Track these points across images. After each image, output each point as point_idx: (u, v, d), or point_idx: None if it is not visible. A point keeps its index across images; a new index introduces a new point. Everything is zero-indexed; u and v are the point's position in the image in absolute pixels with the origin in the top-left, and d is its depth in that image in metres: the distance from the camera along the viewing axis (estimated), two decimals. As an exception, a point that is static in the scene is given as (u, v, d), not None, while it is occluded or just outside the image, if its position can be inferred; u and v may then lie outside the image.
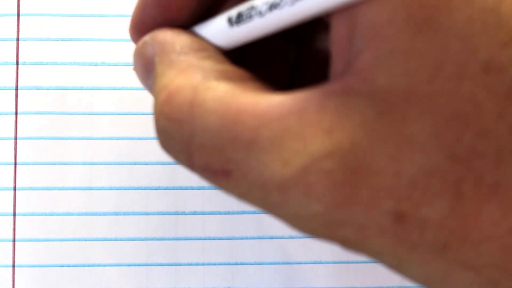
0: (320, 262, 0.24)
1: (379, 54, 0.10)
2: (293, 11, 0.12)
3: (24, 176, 0.24)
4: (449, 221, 0.10)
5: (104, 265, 0.23)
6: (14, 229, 0.23)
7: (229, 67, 0.13)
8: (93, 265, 0.23)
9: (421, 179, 0.10)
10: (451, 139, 0.10)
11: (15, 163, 0.24)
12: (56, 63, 0.24)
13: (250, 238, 0.24)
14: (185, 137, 0.12)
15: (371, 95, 0.10)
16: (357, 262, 0.24)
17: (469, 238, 0.10)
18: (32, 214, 0.24)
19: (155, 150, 0.24)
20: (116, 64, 0.24)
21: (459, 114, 0.10)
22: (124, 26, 0.24)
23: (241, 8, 0.13)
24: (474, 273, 0.10)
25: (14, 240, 0.23)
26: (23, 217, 0.23)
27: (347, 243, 0.11)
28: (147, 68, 0.15)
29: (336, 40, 0.12)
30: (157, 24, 0.15)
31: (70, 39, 0.24)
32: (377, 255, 0.11)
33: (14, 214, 0.23)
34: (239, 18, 0.13)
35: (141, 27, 0.15)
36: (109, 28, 0.24)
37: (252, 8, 0.12)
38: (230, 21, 0.13)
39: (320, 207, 0.10)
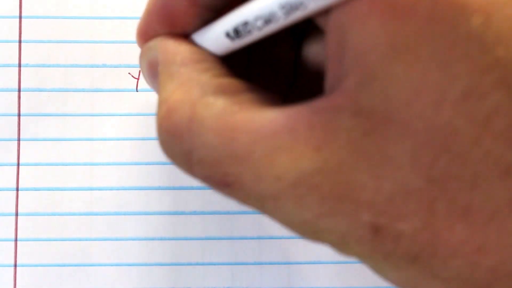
0: (320, 262, 0.24)
1: (363, 77, 0.11)
2: (288, 21, 0.12)
3: (27, 177, 0.24)
4: (421, 236, 0.11)
5: (104, 265, 0.24)
6: (16, 229, 0.24)
7: (225, 80, 0.14)
8: (93, 265, 0.24)
9: (398, 197, 0.11)
10: (428, 161, 0.11)
11: (18, 164, 0.24)
12: (58, 65, 0.24)
13: (250, 238, 0.24)
14: (185, 151, 0.13)
15: (356, 115, 0.11)
16: (357, 262, 0.24)
17: (439, 252, 0.11)
18: (34, 214, 0.24)
19: (155, 151, 0.24)
20: (117, 66, 0.24)
21: (436, 139, 0.10)
22: (125, 28, 0.25)
23: (235, 22, 0.13)
24: (442, 283, 0.11)
25: (16, 240, 0.24)
26: (25, 217, 0.24)
27: (333, 246, 0.12)
28: (153, 73, 0.16)
29: (329, 56, 0.12)
30: (161, 35, 0.15)
31: (72, 41, 0.24)
32: (359, 258, 0.12)
33: (17, 214, 0.24)
34: (238, 34, 0.13)
35: (146, 37, 0.16)
36: (110, 30, 0.24)
37: (247, 23, 0.13)
38: (229, 36, 0.14)
39: (308, 216, 0.12)
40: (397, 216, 0.11)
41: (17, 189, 0.24)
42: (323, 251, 0.24)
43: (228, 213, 0.24)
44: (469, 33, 0.10)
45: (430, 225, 0.11)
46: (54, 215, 0.24)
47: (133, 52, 0.25)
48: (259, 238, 0.24)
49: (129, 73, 0.24)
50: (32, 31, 0.24)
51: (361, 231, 0.11)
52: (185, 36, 0.15)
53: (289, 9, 0.12)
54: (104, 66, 0.24)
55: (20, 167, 0.24)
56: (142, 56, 0.16)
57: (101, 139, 0.24)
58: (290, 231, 0.12)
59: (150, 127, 0.24)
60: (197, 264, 0.24)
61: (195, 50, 0.14)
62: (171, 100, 0.13)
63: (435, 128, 0.10)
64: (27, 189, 0.24)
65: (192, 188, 0.24)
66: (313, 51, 0.18)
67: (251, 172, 0.12)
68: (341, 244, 0.12)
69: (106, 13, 0.25)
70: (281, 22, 0.12)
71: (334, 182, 0.11)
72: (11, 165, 0.24)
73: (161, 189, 0.24)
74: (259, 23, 0.12)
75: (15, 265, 0.23)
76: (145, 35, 0.16)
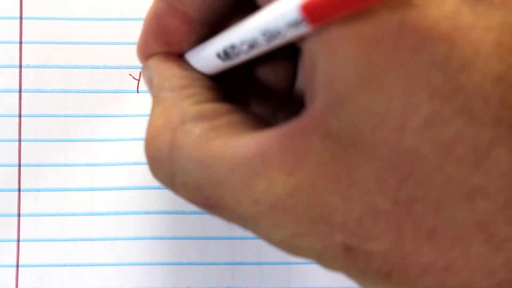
0: (320, 262, 0.24)
1: (330, 102, 0.11)
2: (270, 46, 0.13)
3: (28, 178, 0.24)
4: (390, 256, 0.11)
5: (105, 265, 0.24)
6: (18, 230, 0.24)
7: (207, 106, 0.14)
8: (94, 265, 0.24)
9: (367, 218, 0.11)
10: (393, 185, 0.11)
11: (19, 165, 0.24)
12: (58, 66, 0.24)
13: (250, 238, 0.24)
14: (168, 176, 0.14)
15: (325, 138, 0.11)
16: (357, 262, 0.24)
17: (408, 271, 0.11)
18: (36, 215, 0.24)
19: (155, 151, 0.24)
20: (117, 67, 0.25)
21: (401, 164, 0.11)
22: (125, 30, 0.25)
23: (223, 44, 0.14)
24: None
25: (18, 240, 0.24)
26: (27, 218, 0.24)
27: (314, 261, 0.13)
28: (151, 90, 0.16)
29: (305, 79, 0.13)
30: (159, 53, 0.16)
31: (72, 42, 0.24)
32: (338, 272, 0.12)
33: (19, 215, 0.24)
34: (227, 55, 0.14)
35: (146, 55, 0.17)
36: (111, 31, 0.25)
37: (234, 46, 0.13)
38: (219, 57, 0.14)
39: (286, 236, 0.12)
40: (367, 237, 0.11)
41: (19, 190, 0.24)
42: (322, 251, 0.24)
43: (228, 213, 0.24)
44: (432, 61, 0.10)
45: (398, 245, 0.11)
46: (56, 215, 0.24)
47: (134, 54, 0.25)
48: (259, 238, 0.24)
49: (130, 74, 0.25)
50: (33, 32, 0.24)
51: (335, 251, 0.12)
52: (181, 54, 0.16)
53: (269, 36, 0.12)
54: (105, 67, 0.25)
55: (22, 168, 0.24)
56: (142, 73, 0.17)
57: (102, 140, 0.24)
58: (273, 247, 0.13)
59: (150, 127, 0.24)
60: (197, 264, 0.24)
61: (183, 75, 0.15)
62: (154, 126, 0.14)
63: (399, 153, 0.11)
64: (28, 190, 0.24)
65: (192, 188, 0.24)
66: (300, 72, 0.18)
67: (230, 196, 0.13)
68: (320, 260, 0.12)
69: (107, 14, 0.25)
70: (264, 47, 0.13)
71: (308, 204, 0.12)
72: (13, 166, 0.24)
73: (161, 189, 0.24)
74: (245, 47, 0.13)
75: (17, 265, 0.24)
76: (144, 53, 0.16)
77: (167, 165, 0.14)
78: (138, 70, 0.25)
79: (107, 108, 0.24)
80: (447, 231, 0.11)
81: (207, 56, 0.15)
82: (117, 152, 0.24)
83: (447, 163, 0.10)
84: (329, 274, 0.24)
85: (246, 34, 0.13)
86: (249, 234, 0.24)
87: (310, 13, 0.10)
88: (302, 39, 0.12)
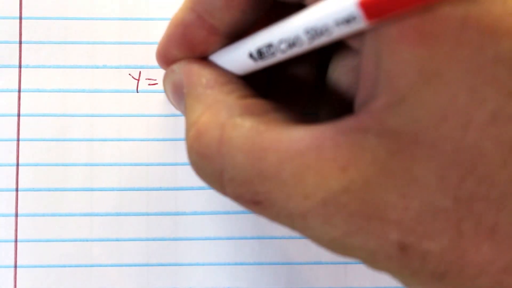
0: (320, 263, 0.24)
1: (392, 100, 0.11)
2: (312, 45, 0.12)
3: (26, 177, 0.24)
4: (448, 255, 0.11)
5: (105, 265, 0.24)
6: (16, 230, 0.24)
7: (251, 101, 0.14)
8: (94, 265, 0.24)
9: (425, 216, 0.11)
10: (455, 182, 0.11)
11: (17, 164, 0.24)
12: (58, 66, 0.24)
13: (250, 238, 0.24)
14: (216, 172, 0.13)
15: (383, 135, 0.11)
16: (357, 263, 0.24)
17: (465, 271, 0.11)
18: (34, 215, 0.24)
19: (154, 151, 0.24)
20: (117, 67, 0.24)
21: (463, 160, 0.11)
22: (125, 29, 0.25)
23: (258, 43, 0.14)
24: None
25: (16, 241, 0.24)
26: (25, 218, 0.24)
27: (363, 261, 0.12)
28: (177, 95, 0.16)
29: (361, 78, 0.12)
30: (181, 58, 0.16)
31: (72, 42, 0.24)
32: (388, 273, 0.12)
33: (16, 215, 0.24)
34: (261, 55, 0.14)
35: (166, 59, 0.16)
36: (111, 31, 0.25)
37: (271, 45, 0.13)
38: (252, 56, 0.14)
39: (337, 234, 0.12)
40: (424, 235, 0.11)
41: (17, 190, 0.24)
42: (323, 251, 0.24)
43: (228, 213, 0.24)
44: (497, 56, 0.10)
45: (457, 244, 0.11)
46: (54, 215, 0.24)
47: (134, 53, 0.25)
48: (259, 238, 0.24)
49: (129, 74, 0.25)
50: (33, 32, 0.24)
51: (389, 249, 0.11)
52: (203, 58, 0.16)
53: (313, 34, 0.12)
54: (105, 67, 0.24)
55: (20, 167, 0.24)
56: (165, 78, 0.17)
57: (101, 140, 0.24)
58: (320, 247, 0.13)
59: (149, 128, 0.24)
60: (197, 264, 0.24)
61: (219, 73, 0.15)
62: (200, 122, 0.14)
63: (462, 150, 0.10)
64: (26, 190, 0.24)
65: (192, 188, 0.24)
66: (338, 70, 0.18)
67: (280, 190, 0.12)
68: (370, 260, 0.12)
69: (107, 13, 0.25)
70: (305, 46, 0.12)
71: (361, 201, 0.11)
72: (11, 165, 0.24)
73: (161, 190, 0.24)
74: (283, 46, 0.13)
75: (15, 266, 0.23)
76: (165, 57, 0.16)
77: (215, 161, 0.13)
78: (138, 70, 0.25)
79: (107, 108, 0.24)
80: (508, 229, 0.10)
81: (237, 56, 0.14)
82: (117, 152, 0.24)
83: (511, 161, 0.10)
84: (329, 274, 0.24)
85: (287, 32, 0.12)
86: (249, 234, 0.24)
87: (368, 8, 0.10)
88: (360, 38, 0.12)
